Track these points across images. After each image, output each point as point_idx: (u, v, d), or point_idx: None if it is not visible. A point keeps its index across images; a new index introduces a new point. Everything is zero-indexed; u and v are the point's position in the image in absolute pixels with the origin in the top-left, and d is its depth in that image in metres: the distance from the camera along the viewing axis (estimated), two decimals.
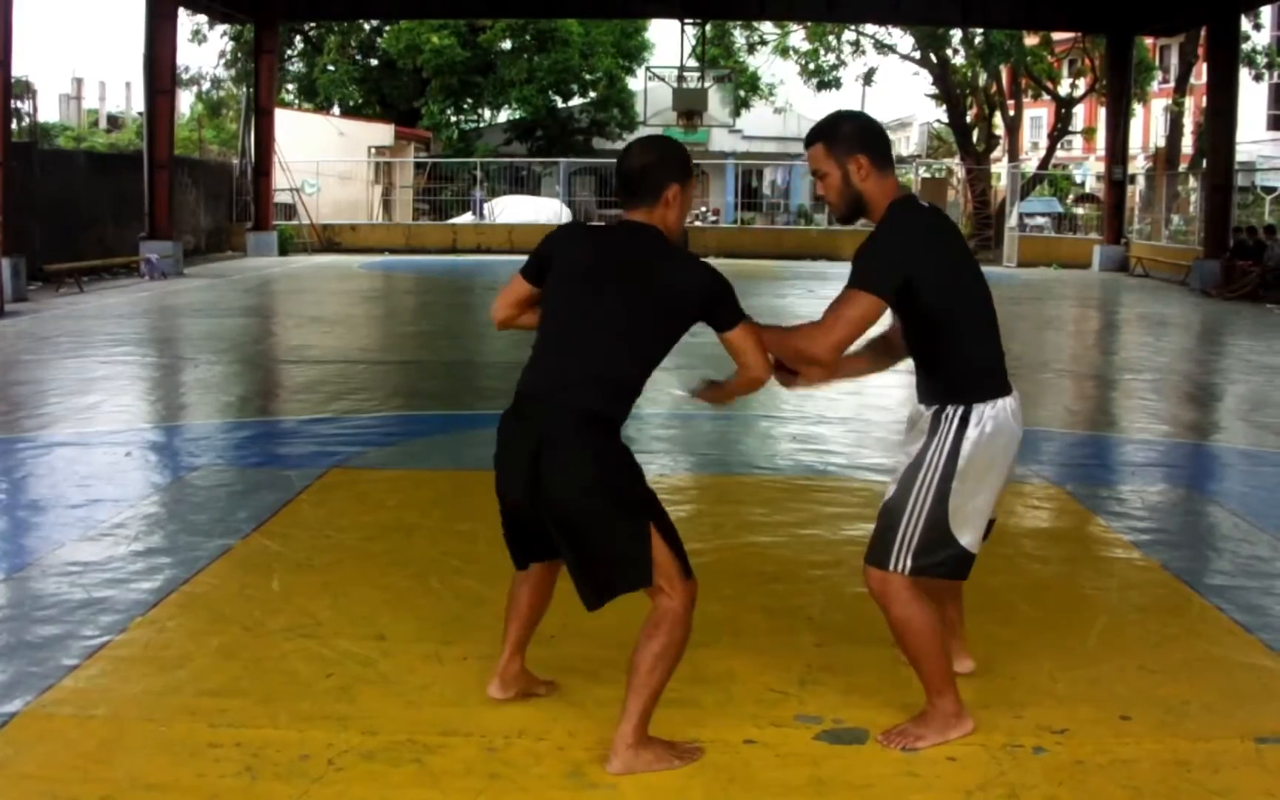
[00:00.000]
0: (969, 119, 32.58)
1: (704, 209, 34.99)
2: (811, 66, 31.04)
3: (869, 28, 30.23)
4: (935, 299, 2.97)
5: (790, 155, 37.66)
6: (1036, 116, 43.42)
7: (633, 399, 2.96)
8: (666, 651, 2.88)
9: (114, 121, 49.59)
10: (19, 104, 23.33)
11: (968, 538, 3.03)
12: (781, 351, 3.05)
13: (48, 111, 42.42)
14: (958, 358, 3.03)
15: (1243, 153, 24.35)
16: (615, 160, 3.17)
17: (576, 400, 2.85)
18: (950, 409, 3.02)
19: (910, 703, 3.21)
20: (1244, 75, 25.65)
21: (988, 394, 3.04)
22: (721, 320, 2.95)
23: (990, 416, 3.02)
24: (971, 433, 3.00)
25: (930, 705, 3.10)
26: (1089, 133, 38.53)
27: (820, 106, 29.93)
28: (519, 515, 3.01)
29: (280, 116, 26.13)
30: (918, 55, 31.14)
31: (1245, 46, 26.38)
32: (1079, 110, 35.94)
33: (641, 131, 32.29)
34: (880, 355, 3.38)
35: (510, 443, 2.93)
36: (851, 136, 3.05)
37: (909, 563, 3.01)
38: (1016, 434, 3.08)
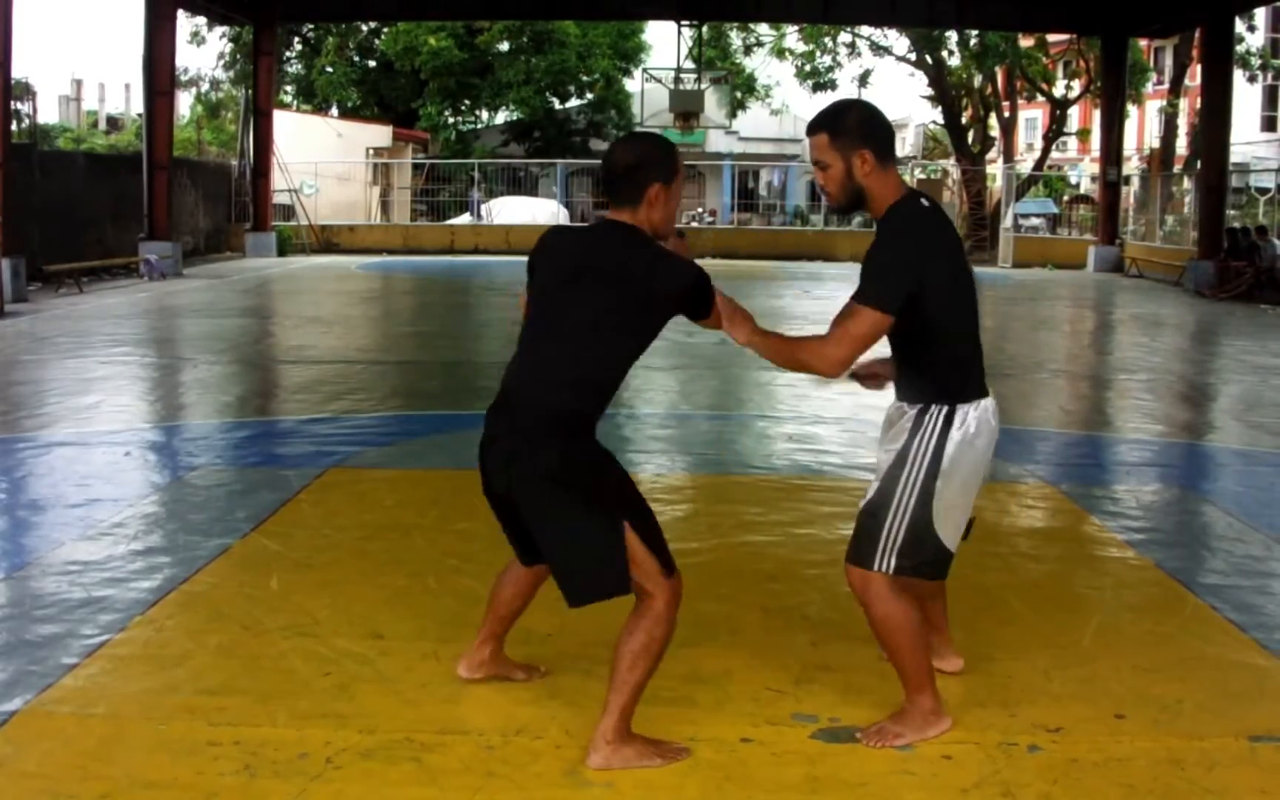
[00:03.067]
0: (964, 120, 32.62)
1: (700, 210, 35.01)
2: (807, 68, 31.06)
3: (865, 29, 30.26)
4: (934, 304, 2.95)
5: (786, 156, 37.72)
6: (1031, 118, 43.46)
7: (607, 396, 2.97)
8: (647, 649, 2.89)
9: (113, 123, 49.60)
10: (19, 105, 23.30)
11: (949, 537, 3.05)
12: (786, 362, 3.03)
13: (47, 113, 42.47)
14: (947, 358, 3.03)
15: (1237, 154, 24.41)
16: None
17: (548, 398, 2.87)
18: (935, 408, 3.02)
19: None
20: (1238, 76, 25.71)
21: (971, 395, 3.05)
22: (701, 311, 2.98)
23: (974, 417, 3.03)
24: (955, 433, 3.00)
25: (909, 702, 3.11)
26: (1084, 134, 38.57)
27: (816, 108, 29.88)
28: (502, 509, 3.05)
29: (279, 118, 26.16)
30: (913, 57, 31.18)
31: (1239, 48, 26.48)
32: (1074, 111, 35.99)
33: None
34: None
35: (490, 437, 2.97)
36: (856, 129, 2.99)
37: (893, 562, 3.01)
38: (995, 433, 3.10)
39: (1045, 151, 34.00)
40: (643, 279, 2.87)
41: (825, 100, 29.23)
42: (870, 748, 3.06)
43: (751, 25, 31.24)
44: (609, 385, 2.96)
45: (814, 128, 3.06)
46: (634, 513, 2.91)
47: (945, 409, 3.01)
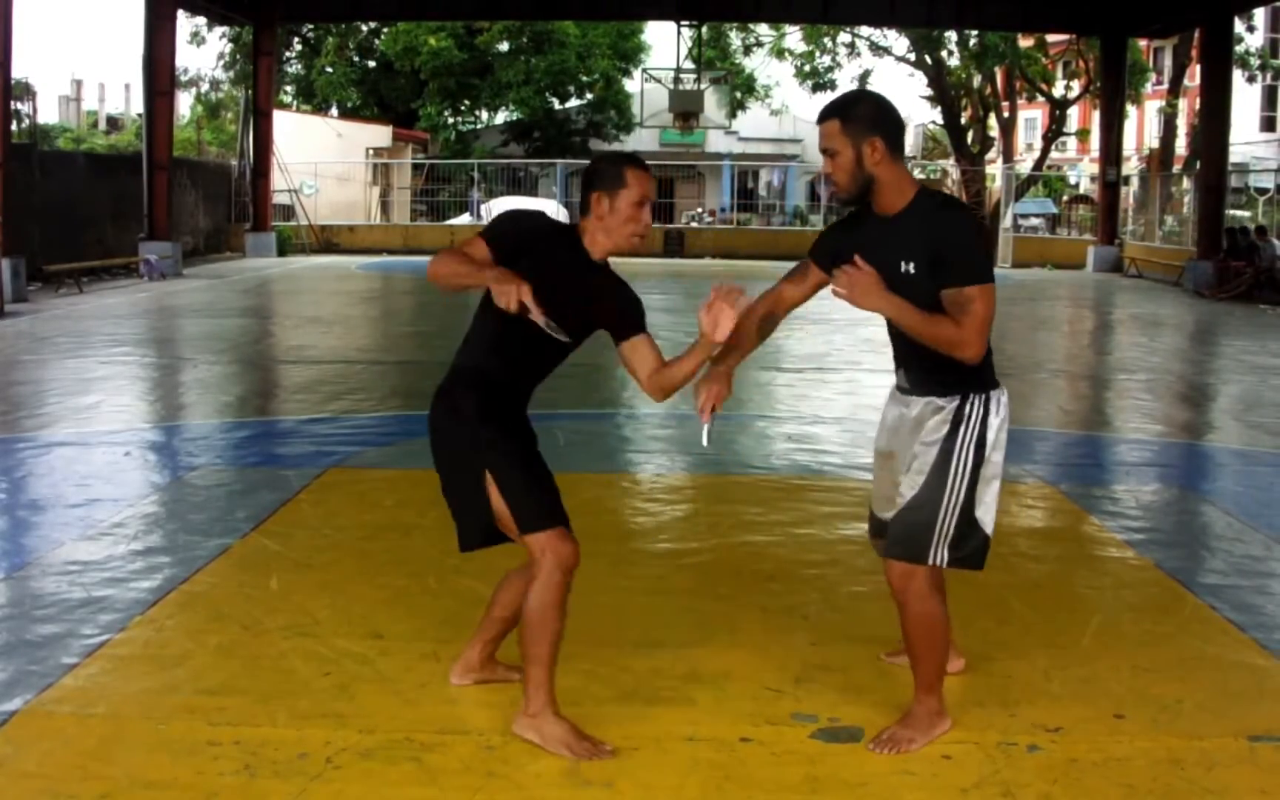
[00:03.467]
0: (964, 120, 32.64)
1: (700, 210, 35.03)
2: (807, 68, 31.08)
3: (864, 30, 30.28)
4: None
5: (786, 156, 37.72)
6: (1031, 118, 43.48)
7: (484, 350, 3.06)
8: (531, 618, 2.94)
9: (113, 123, 49.61)
10: (19, 105, 23.32)
11: (988, 522, 3.08)
12: (931, 341, 2.94)
13: (47, 113, 42.48)
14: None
15: (1236, 154, 24.43)
16: None
17: (453, 361, 3.12)
18: (974, 398, 3.03)
19: (906, 701, 3.23)
20: (1237, 77, 25.72)
21: (996, 382, 3.09)
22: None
23: (1004, 403, 3.09)
24: (994, 420, 3.04)
25: (919, 704, 3.12)
26: (1083, 134, 38.57)
27: (816, 108, 30.03)
28: None
29: (279, 118, 26.18)
30: (913, 57, 31.20)
31: (1238, 48, 26.50)
32: (1073, 112, 36.01)
33: (638, 133, 32.41)
34: (766, 332, 3.28)
35: None
36: (868, 117, 2.99)
37: (946, 555, 3.04)
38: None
39: (1044, 152, 34.01)
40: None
41: (824, 100, 29.23)
42: (883, 755, 3.04)
43: (751, 25, 31.24)
44: (496, 344, 3.06)
45: (825, 115, 3.05)
46: (502, 467, 2.97)
47: (984, 397, 3.04)
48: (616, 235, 3.06)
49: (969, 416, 3.02)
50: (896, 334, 3.10)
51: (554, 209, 27.67)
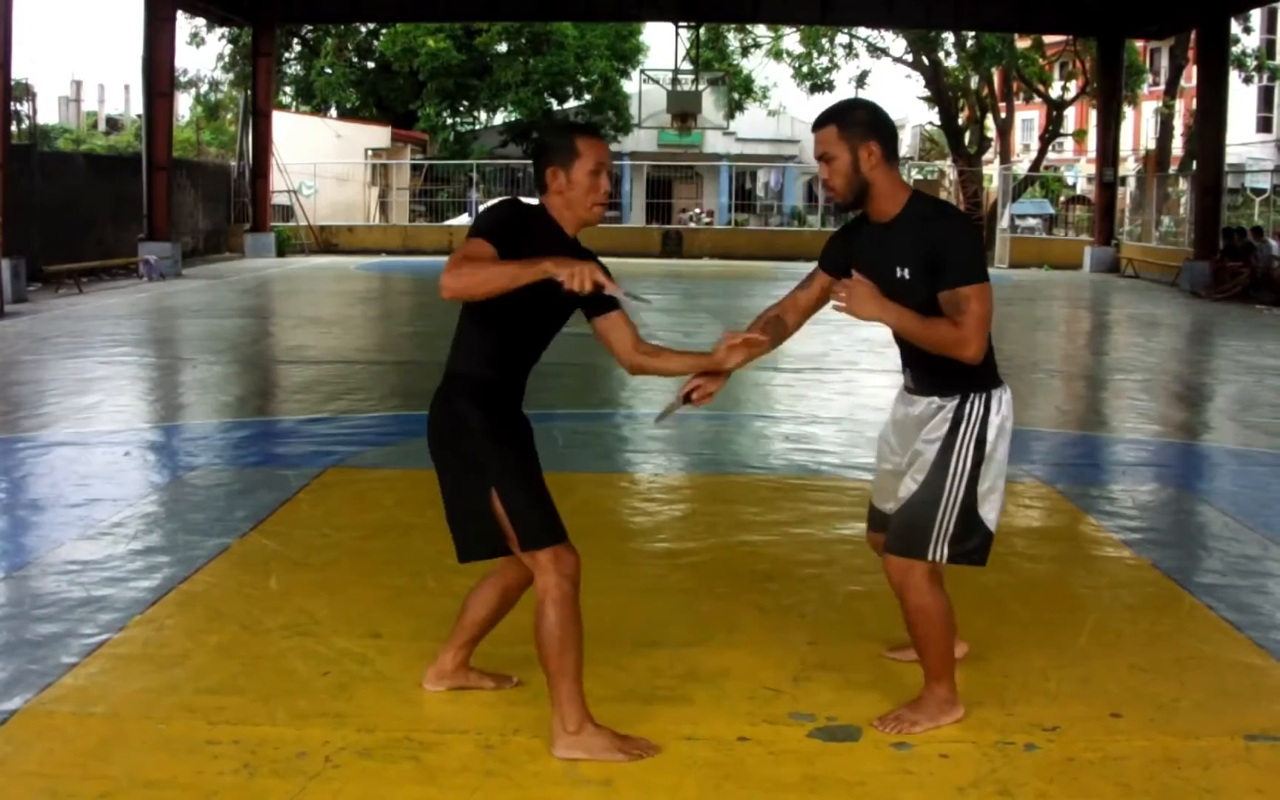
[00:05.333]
0: (961, 121, 32.67)
1: (698, 210, 35.06)
2: (805, 69, 31.11)
3: (862, 31, 30.30)
4: None
5: (784, 157, 37.71)
6: (1028, 119, 43.52)
7: (483, 356, 3.02)
8: (550, 634, 2.91)
9: (113, 124, 49.56)
10: (19, 106, 23.28)
11: (991, 519, 3.12)
12: (929, 344, 2.99)
13: (47, 114, 42.41)
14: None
15: (1232, 155, 24.47)
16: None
17: (448, 367, 3.07)
18: (975, 397, 3.08)
19: (903, 700, 3.25)
20: (1234, 78, 25.75)
21: (998, 381, 3.13)
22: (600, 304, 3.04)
23: (1006, 401, 3.13)
24: (994, 418, 3.08)
25: (927, 690, 3.17)
26: (1080, 135, 38.63)
27: (813, 109, 30.03)
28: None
29: (278, 119, 26.18)
30: (910, 58, 31.23)
31: (1235, 49, 26.49)
32: (1070, 112, 36.06)
33: (636, 134, 32.43)
34: (777, 336, 3.31)
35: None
36: (865, 123, 3.04)
37: (946, 551, 3.08)
38: (1012, 418, 3.18)
39: (1041, 152, 34.05)
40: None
41: (823, 101, 29.32)
42: (885, 733, 3.10)
43: (749, 26, 31.25)
44: (494, 348, 3.02)
45: (822, 121, 3.09)
46: (501, 479, 2.96)
47: (984, 396, 3.08)
48: (579, 208, 3.02)
49: (969, 415, 3.06)
50: (898, 335, 3.13)
51: None
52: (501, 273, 2.76)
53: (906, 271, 3.00)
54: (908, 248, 3.00)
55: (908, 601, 3.11)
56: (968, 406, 3.07)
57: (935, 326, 2.96)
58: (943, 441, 3.07)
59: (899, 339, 3.15)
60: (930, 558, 3.08)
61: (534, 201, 3.09)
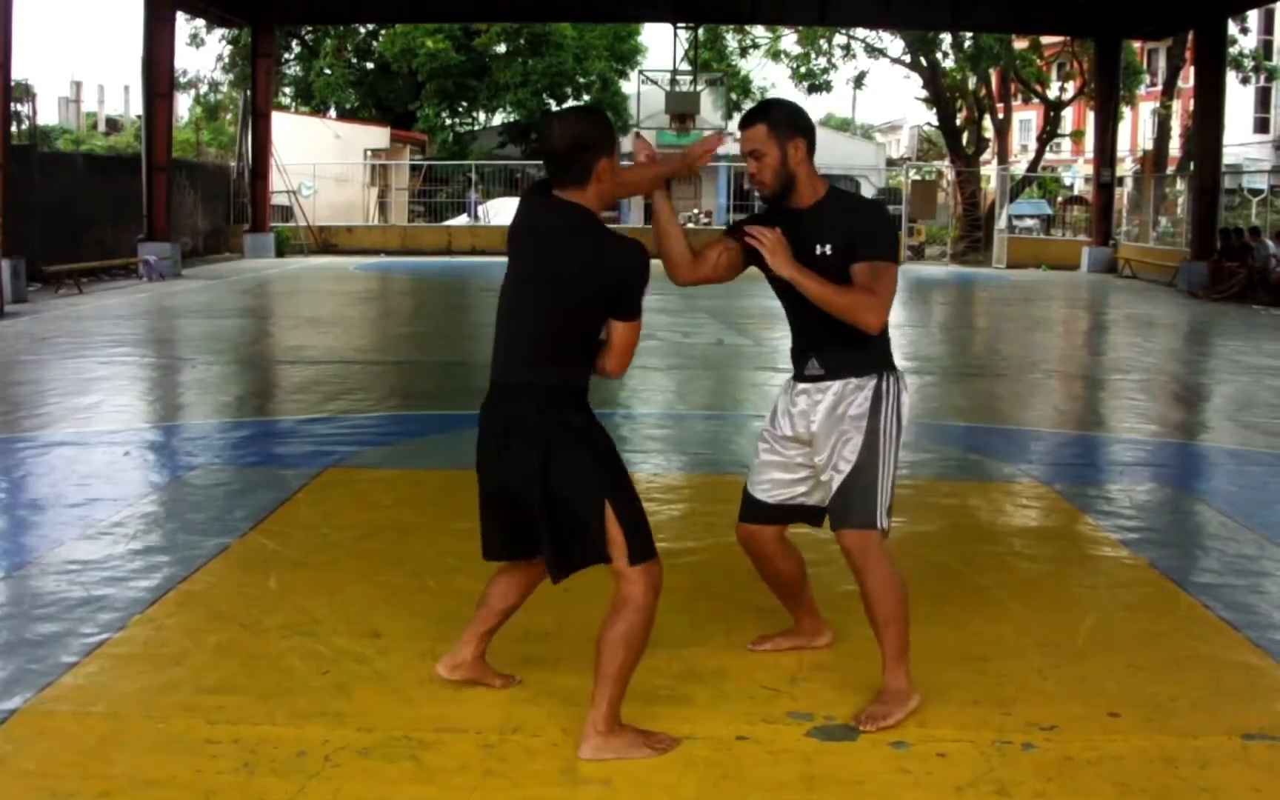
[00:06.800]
0: (959, 122, 32.68)
1: (696, 211, 35.04)
2: (803, 70, 31.12)
3: (860, 31, 30.31)
4: None
5: None
6: (1025, 119, 43.55)
7: (585, 366, 3.03)
8: (625, 638, 2.94)
9: (113, 124, 49.54)
10: (18, 107, 23.28)
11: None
12: (836, 307, 3.14)
13: (47, 114, 42.38)
14: (887, 327, 3.26)
15: (1230, 155, 24.50)
16: None
17: (534, 378, 2.97)
18: (888, 375, 3.27)
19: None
20: (1231, 78, 25.78)
21: (893, 360, 3.34)
22: (628, 308, 2.98)
23: (907, 381, 3.35)
24: (906, 396, 3.30)
25: (891, 677, 3.23)
26: (1077, 135, 38.65)
27: (812, 109, 30.07)
28: (494, 501, 3.10)
29: (277, 119, 26.17)
30: (908, 59, 31.23)
31: (1232, 50, 26.50)
32: (1067, 113, 36.06)
33: (635, 134, 32.38)
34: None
35: (485, 429, 3.07)
36: (790, 120, 3.26)
37: (888, 522, 3.25)
38: None
39: (1039, 153, 34.07)
40: (601, 264, 2.95)
41: (821, 101, 29.29)
42: (869, 731, 3.13)
43: (747, 27, 31.26)
44: (584, 356, 3.02)
45: (752, 119, 3.30)
46: (617, 493, 2.98)
47: (893, 375, 3.29)
48: (608, 195, 3.08)
49: (887, 392, 3.25)
50: (809, 322, 3.26)
51: None
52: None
53: (828, 248, 3.20)
54: (830, 227, 3.21)
55: (871, 577, 3.20)
56: (884, 384, 3.25)
57: (845, 291, 3.14)
58: (869, 420, 3.22)
59: (807, 324, 3.27)
60: (878, 525, 3.22)
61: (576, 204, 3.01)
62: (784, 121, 3.25)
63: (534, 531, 3.02)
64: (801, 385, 3.34)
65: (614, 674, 2.94)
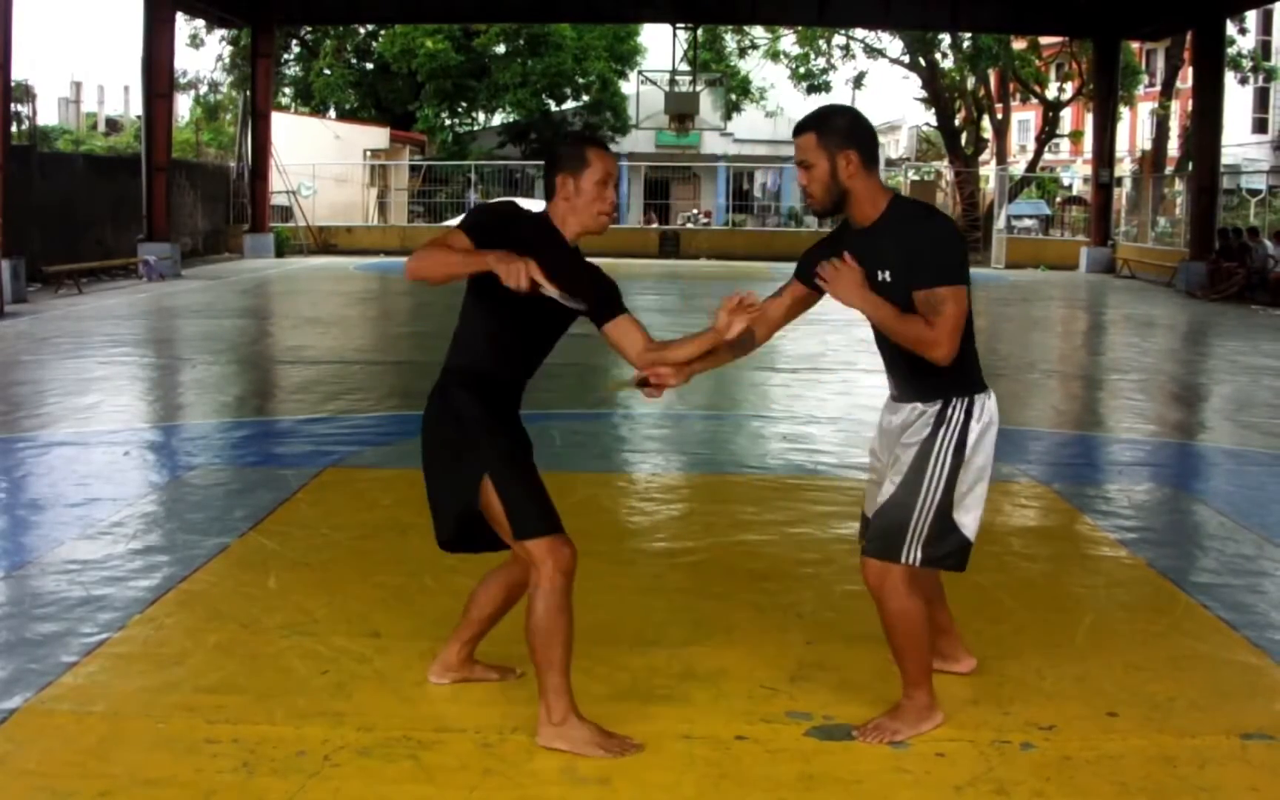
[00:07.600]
0: (957, 122, 32.72)
1: (695, 211, 35.08)
2: (802, 70, 31.15)
3: (859, 32, 30.33)
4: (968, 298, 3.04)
5: (781, 158, 37.71)
6: (1024, 120, 43.57)
7: (493, 355, 3.08)
8: (541, 626, 2.93)
9: (112, 125, 49.49)
10: (18, 107, 23.26)
11: (969, 526, 3.09)
12: (903, 340, 3.00)
13: (47, 115, 42.30)
14: (964, 351, 3.05)
15: (1228, 155, 24.49)
16: None
17: (447, 361, 3.16)
18: (957, 401, 3.06)
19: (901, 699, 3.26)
20: (1229, 79, 25.80)
21: (982, 387, 3.12)
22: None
23: (990, 408, 3.11)
24: (975, 424, 3.06)
25: (907, 698, 3.16)
26: (1076, 136, 38.66)
27: (811, 110, 30.03)
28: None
29: (277, 120, 26.19)
30: (907, 59, 31.26)
31: (1230, 50, 26.54)
32: (1066, 113, 36.09)
33: (634, 134, 32.43)
34: (743, 349, 3.29)
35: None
36: (844, 130, 3.04)
37: (919, 554, 3.06)
38: (997, 424, 3.17)
39: (1038, 153, 34.10)
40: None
41: (820, 102, 29.35)
42: (866, 743, 3.09)
43: (746, 28, 31.27)
44: (487, 344, 3.09)
45: (802, 128, 3.10)
46: (499, 468, 2.98)
47: (966, 401, 3.07)
48: (584, 216, 3.09)
49: (949, 419, 3.05)
50: (882, 343, 3.15)
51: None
52: (450, 260, 2.87)
53: (887, 274, 3.00)
54: (889, 249, 3.00)
55: (886, 606, 3.10)
56: (949, 410, 3.06)
57: (909, 322, 2.97)
58: (921, 444, 3.06)
59: (881, 346, 3.16)
60: (903, 560, 3.06)
61: (535, 207, 3.14)
62: (836, 131, 3.03)
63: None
64: (887, 404, 3.26)
65: (543, 663, 2.96)
